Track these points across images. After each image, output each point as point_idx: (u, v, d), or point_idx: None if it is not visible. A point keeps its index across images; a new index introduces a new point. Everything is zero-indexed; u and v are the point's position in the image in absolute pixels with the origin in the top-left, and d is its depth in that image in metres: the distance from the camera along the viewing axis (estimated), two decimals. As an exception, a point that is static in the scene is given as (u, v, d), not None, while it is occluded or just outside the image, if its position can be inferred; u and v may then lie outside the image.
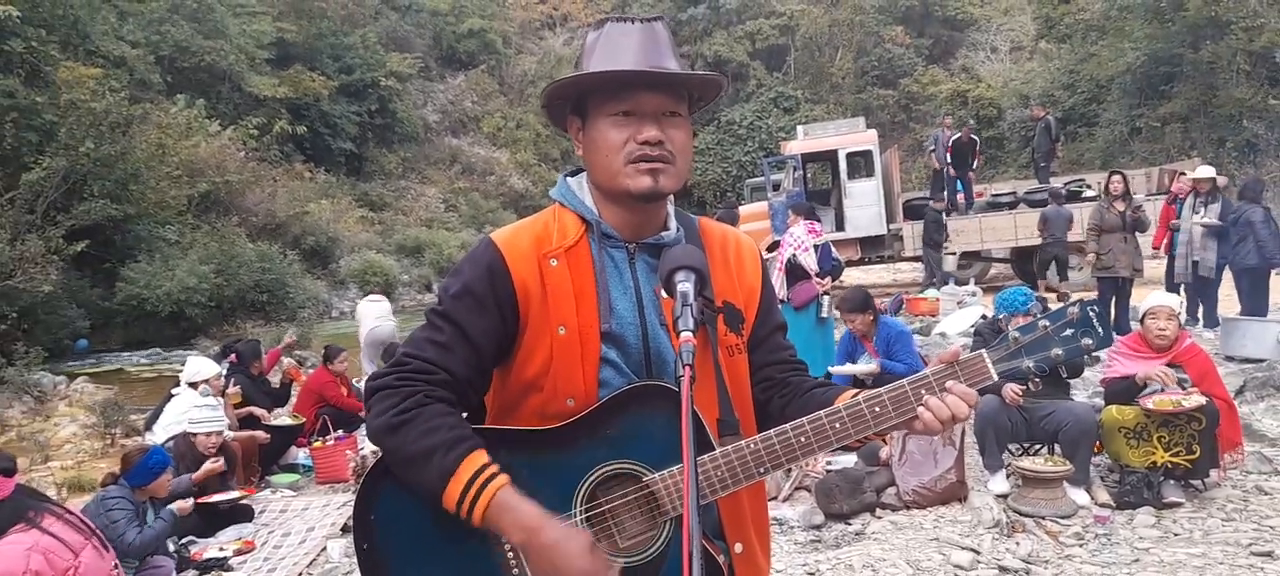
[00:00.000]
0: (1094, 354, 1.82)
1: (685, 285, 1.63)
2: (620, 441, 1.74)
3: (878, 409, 1.72)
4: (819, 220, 10.25)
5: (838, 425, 1.72)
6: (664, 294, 1.74)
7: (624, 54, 1.78)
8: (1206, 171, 11.22)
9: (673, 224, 1.92)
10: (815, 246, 9.49)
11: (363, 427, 9.37)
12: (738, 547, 1.86)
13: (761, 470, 1.72)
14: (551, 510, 1.71)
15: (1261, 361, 9.14)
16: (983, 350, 1.77)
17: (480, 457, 1.69)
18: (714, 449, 1.72)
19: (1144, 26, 28.68)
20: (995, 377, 1.74)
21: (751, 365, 1.95)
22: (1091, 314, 1.77)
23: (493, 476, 1.68)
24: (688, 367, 1.51)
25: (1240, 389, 8.11)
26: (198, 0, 28.75)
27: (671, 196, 1.90)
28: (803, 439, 1.72)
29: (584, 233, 1.86)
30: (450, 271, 1.96)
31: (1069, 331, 1.76)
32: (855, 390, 1.82)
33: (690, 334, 1.55)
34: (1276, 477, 6.14)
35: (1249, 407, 7.76)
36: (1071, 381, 6.63)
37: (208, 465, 6.73)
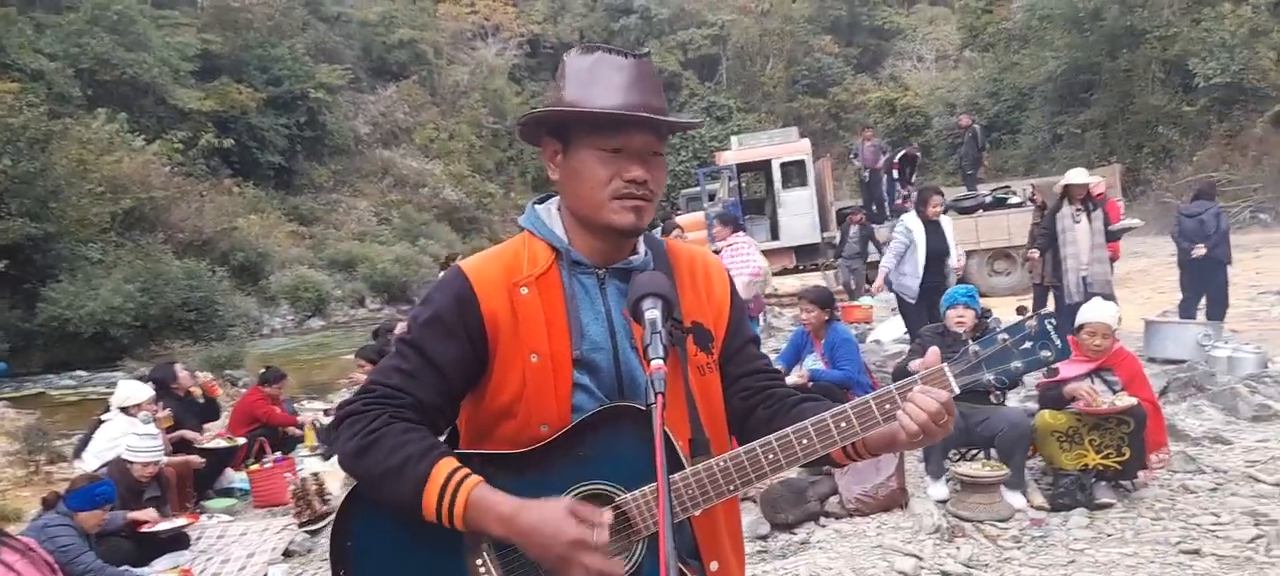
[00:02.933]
0: (1053, 366, 1.87)
1: (652, 312, 1.66)
2: (593, 462, 1.77)
3: (843, 423, 1.75)
4: (743, 230, 10.40)
5: (805, 441, 1.74)
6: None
7: (615, 90, 1.78)
8: (1080, 176, 9.98)
9: (641, 248, 1.94)
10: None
11: (298, 449, 9.28)
12: (713, 566, 1.89)
13: (731, 487, 1.74)
14: None
15: (1183, 363, 9.42)
16: (944, 364, 1.79)
17: (450, 462, 1.71)
18: (685, 468, 1.74)
19: (1064, 36, 29.54)
20: (956, 389, 1.76)
21: (727, 378, 1.98)
22: (1049, 326, 1.79)
23: (465, 477, 1.70)
24: (660, 395, 1.54)
25: (1164, 390, 8.36)
26: (118, 12, 28.06)
27: None
28: (770, 456, 1.74)
29: (554, 260, 1.88)
30: (420, 299, 1.98)
31: (1028, 344, 1.79)
32: (840, 408, 1.83)
33: (661, 361, 1.58)
34: (1201, 476, 6.33)
35: (1172, 408, 7.99)
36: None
37: (143, 514, 6.53)
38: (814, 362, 7.34)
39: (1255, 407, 7.82)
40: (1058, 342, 1.79)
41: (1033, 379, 7.99)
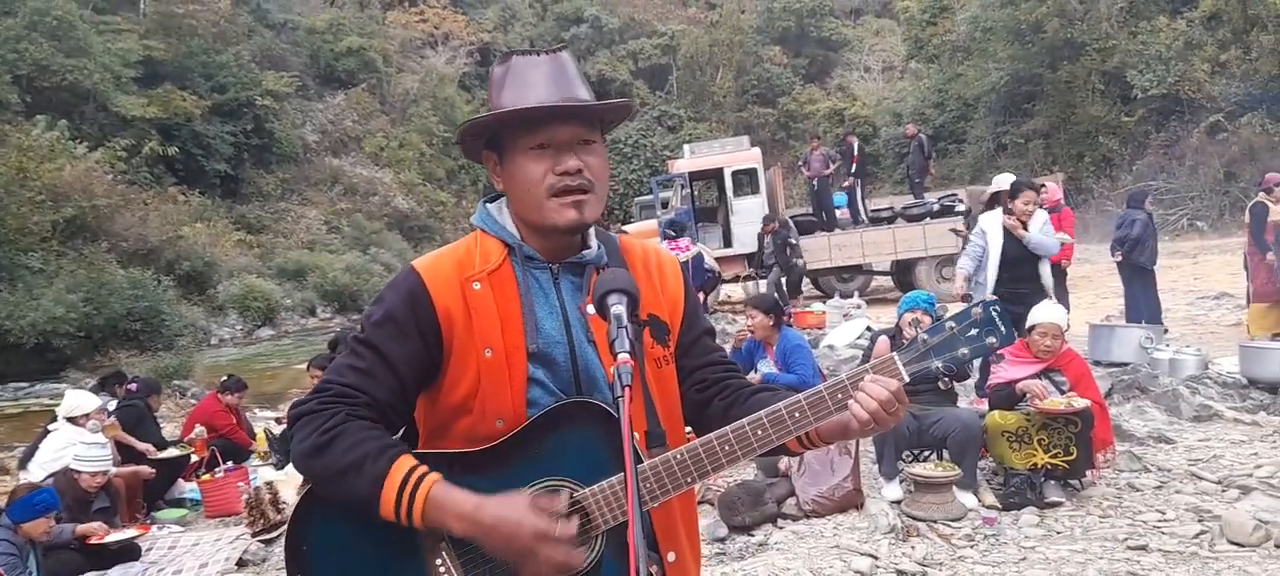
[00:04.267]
0: (998, 352, 1.94)
1: (618, 307, 1.66)
2: (550, 458, 1.77)
3: (797, 414, 1.77)
4: (679, 237, 10.52)
5: (760, 432, 1.76)
6: (591, 311, 1.79)
7: (534, 87, 1.81)
8: (1007, 182, 9.56)
9: (593, 241, 1.96)
10: (683, 263, 9.66)
11: (251, 459, 9.16)
12: (671, 557, 1.90)
13: (689, 479, 1.76)
14: None
15: (1126, 365, 9.65)
16: (894, 353, 1.83)
17: (409, 460, 1.71)
18: (643, 461, 1.75)
19: (1006, 48, 30.10)
20: (906, 378, 1.80)
21: (683, 370, 2.00)
22: (994, 313, 1.84)
23: (424, 475, 1.70)
24: (627, 388, 1.55)
25: (1109, 392, 8.55)
26: (58, 17, 27.45)
27: None
28: (727, 447, 1.76)
29: (506, 256, 1.88)
30: (373, 299, 1.98)
31: (974, 331, 1.83)
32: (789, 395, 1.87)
33: (627, 355, 1.59)
34: (1146, 475, 6.49)
35: (1117, 409, 8.18)
36: (957, 385, 6.89)
37: (92, 527, 6.41)
38: (767, 367, 7.40)
39: (1196, 408, 8.03)
40: (1002, 329, 1.84)
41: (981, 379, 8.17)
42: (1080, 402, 6.02)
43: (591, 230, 1.97)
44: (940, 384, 1.90)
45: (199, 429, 8.98)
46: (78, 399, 8.00)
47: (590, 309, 1.79)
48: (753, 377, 7.38)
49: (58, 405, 8.12)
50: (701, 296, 9.70)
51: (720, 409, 1.96)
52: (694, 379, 2.01)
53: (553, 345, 1.84)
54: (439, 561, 1.77)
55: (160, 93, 30.53)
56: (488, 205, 1.98)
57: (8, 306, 17.69)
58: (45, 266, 19.85)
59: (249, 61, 35.14)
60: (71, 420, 7.69)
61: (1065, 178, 22.02)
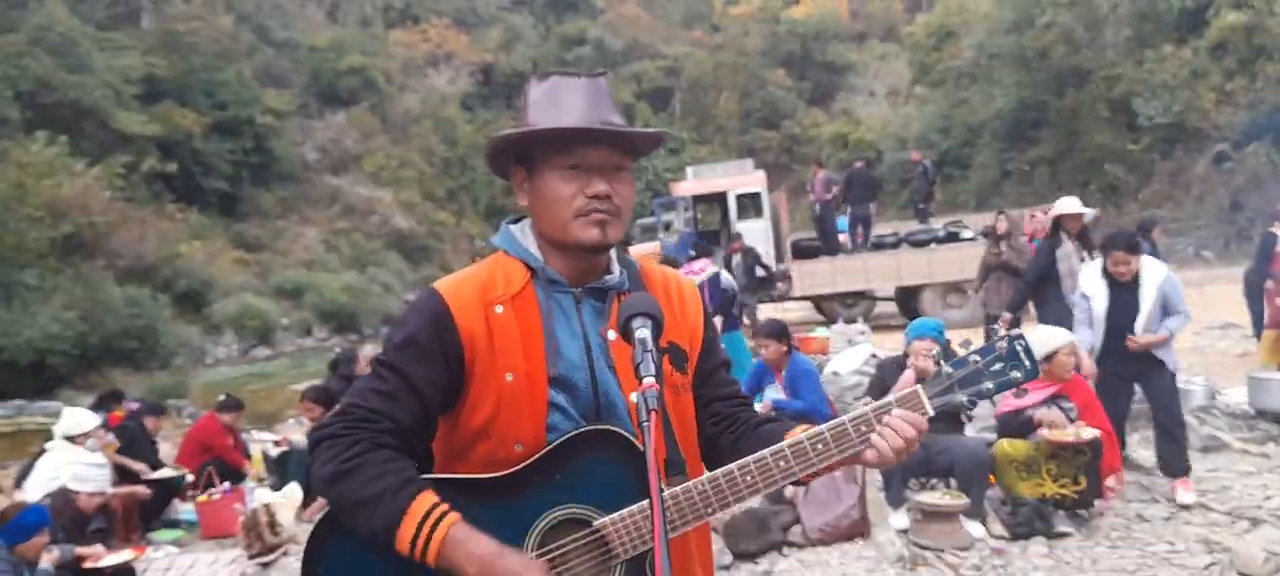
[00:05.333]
0: (1022, 387, 1.90)
1: (643, 331, 1.65)
2: (570, 486, 1.77)
3: (820, 445, 1.77)
4: (697, 258, 10.44)
5: (783, 463, 1.76)
6: (612, 337, 1.81)
7: (571, 109, 1.82)
8: (1073, 205, 9.07)
9: (615, 267, 1.95)
10: (701, 284, 9.57)
11: (248, 480, 9.04)
12: None
13: (709, 510, 1.76)
14: None
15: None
16: (918, 386, 1.82)
17: (430, 497, 1.70)
18: (664, 490, 1.71)
19: (1012, 74, 30.12)
20: (931, 412, 1.80)
21: (698, 401, 1.99)
22: (1019, 348, 1.83)
23: (445, 514, 1.68)
24: (654, 413, 1.53)
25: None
26: (60, 34, 27.53)
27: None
28: (748, 478, 1.76)
29: (529, 279, 1.87)
30: (395, 321, 1.95)
31: (999, 365, 1.83)
32: (804, 426, 1.85)
33: (653, 380, 1.57)
34: (1155, 505, 6.40)
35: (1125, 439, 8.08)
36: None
37: (88, 549, 6.30)
38: (775, 393, 7.33)
39: (1204, 438, 7.92)
40: (1027, 364, 1.83)
41: (986, 409, 8.07)
42: (1089, 432, 5.96)
43: (614, 255, 1.97)
44: (964, 417, 1.85)
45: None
46: (77, 417, 7.87)
47: (612, 334, 1.83)
48: (760, 403, 7.32)
49: (53, 424, 8.00)
50: (718, 318, 9.61)
51: (729, 442, 1.97)
52: (709, 411, 2.02)
53: (574, 370, 1.84)
54: None
55: (161, 110, 30.65)
56: (510, 227, 1.98)
57: (3, 323, 17.65)
58: (42, 283, 19.82)
59: (250, 79, 35.30)
60: (70, 439, 7.57)
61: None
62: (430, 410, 1.82)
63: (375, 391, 1.79)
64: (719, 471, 1.76)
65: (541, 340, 1.82)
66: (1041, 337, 6.42)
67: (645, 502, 1.69)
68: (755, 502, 6.62)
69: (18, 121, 24.34)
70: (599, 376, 1.84)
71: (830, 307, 18.57)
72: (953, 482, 6.36)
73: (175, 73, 32.39)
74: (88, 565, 6.09)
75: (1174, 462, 6.55)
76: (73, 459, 6.99)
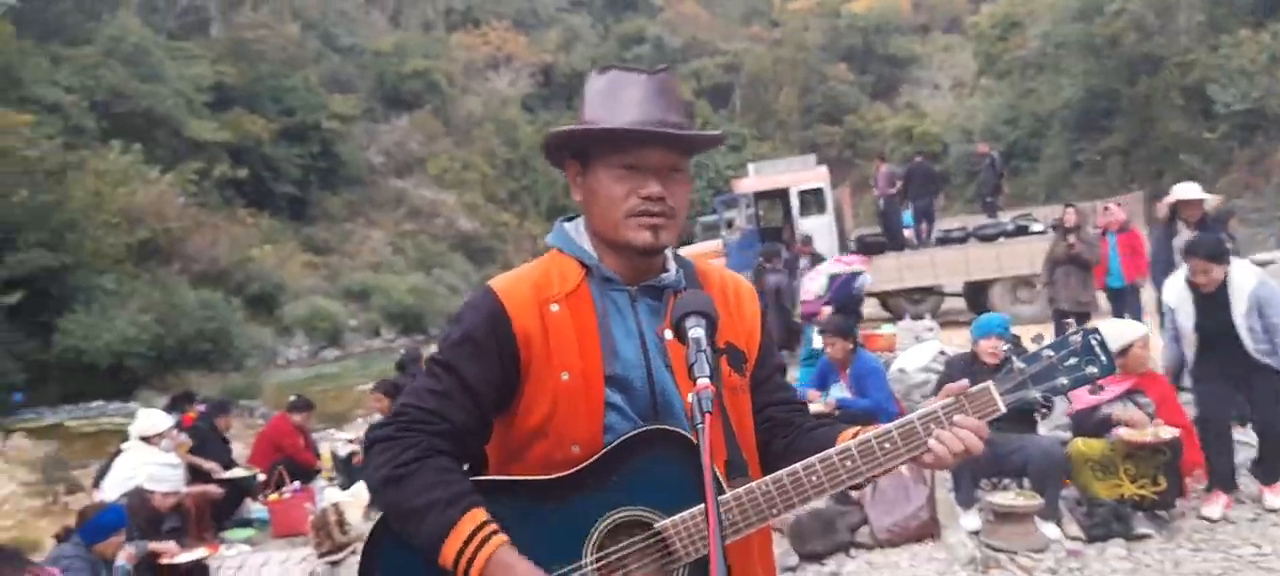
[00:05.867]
0: (1099, 383, 1.83)
1: (697, 331, 1.61)
2: (629, 487, 1.73)
3: (888, 444, 1.71)
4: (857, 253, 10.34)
5: (849, 463, 1.71)
6: (668, 336, 1.76)
7: (630, 107, 1.77)
8: (1193, 190, 8.52)
9: (672, 266, 1.91)
10: (831, 276, 9.57)
11: (318, 479, 9.18)
12: None
13: (774, 511, 1.71)
14: (562, 560, 1.70)
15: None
16: (990, 382, 1.76)
17: (480, 514, 1.66)
18: (725, 492, 1.70)
19: (1081, 62, 29.42)
20: (1003, 409, 1.74)
21: (753, 405, 1.94)
22: (1094, 342, 1.76)
23: (492, 534, 1.65)
24: (708, 415, 1.48)
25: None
26: (134, 44, 28.28)
27: None
28: (814, 478, 1.70)
29: (584, 277, 1.84)
30: (450, 319, 1.93)
31: (1073, 360, 1.76)
32: (857, 428, 1.80)
33: (707, 381, 1.52)
34: (1240, 506, 6.17)
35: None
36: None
37: (163, 546, 6.44)
38: (840, 391, 7.24)
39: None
40: (1103, 359, 1.76)
41: (1061, 406, 7.87)
42: (1168, 432, 5.74)
43: (670, 254, 1.93)
44: (1037, 415, 1.78)
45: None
46: (151, 419, 8.05)
47: (668, 333, 1.76)
48: (825, 400, 7.23)
49: (130, 425, 8.20)
50: (842, 314, 9.58)
51: (781, 447, 1.92)
52: (763, 416, 1.97)
53: (630, 369, 1.80)
54: None
55: (231, 116, 31.34)
56: (565, 225, 1.95)
57: (83, 328, 18.14)
58: (119, 288, 20.37)
59: (316, 85, 35.93)
60: (145, 439, 7.75)
61: (1145, 196, 21.34)
62: (485, 409, 1.79)
63: (430, 391, 1.78)
64: (783, 471, 1.71)
65: (597, 339, 1.79)
66: (1115, 331, 6.24)
67: (702, 507, 1.65)
68: (821, 503, 6.53)
69: (94, 131, 25.05)
70: (656, 376, 1.80)
71: (897, 304, 18.29)
72: (1026, 483, 6.20)
73: (244, 80, 33.11)
74: (163, 562, 6.23)
75: (1271, 469, 6.17)
76: (148, 459, 7.15)
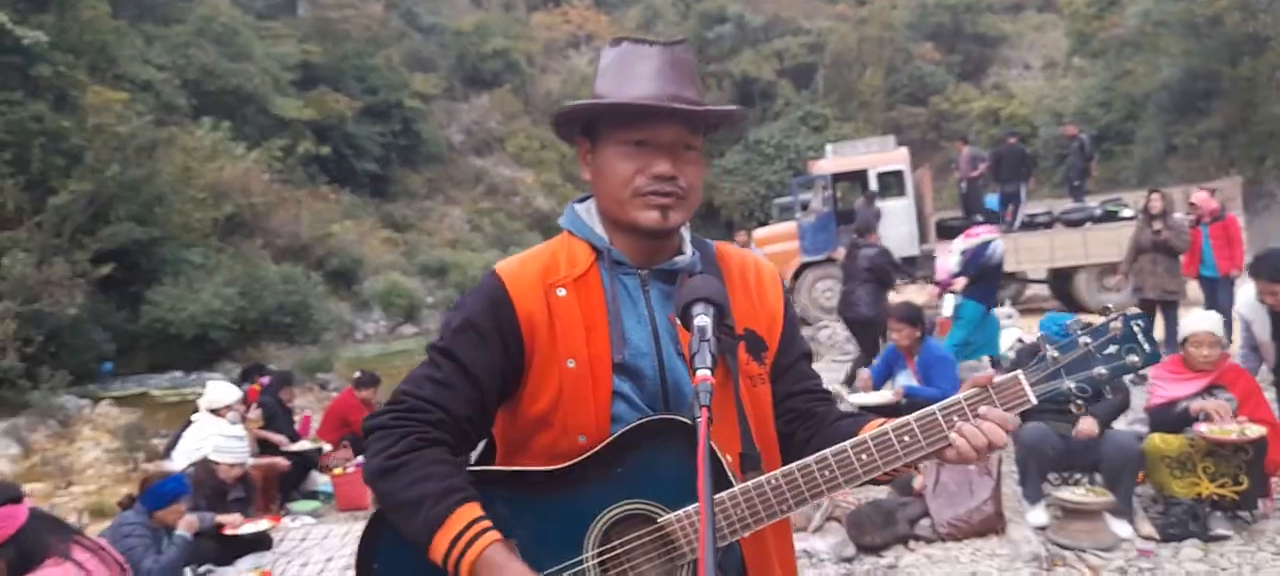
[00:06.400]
0: (1141, 372, 1.66)
1: (703, 319, 1.53)
2: (633, 480, 1.67)
3: (907, 438, 1.61)
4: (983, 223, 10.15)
5: (865, 457, 1.62)
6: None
7: (640, 80, 1.69)
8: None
9: (688, 248, 1.82)
10: (964, 250, 9.49)
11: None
12: None
13: (784, 507, 1.62)
14: (563, 554, 1.65)
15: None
16: (1019, 371, 1.64)
17: (472, 510, 1.60)
18: (733, 486, 1.61)
19: (1180, 42, 28.25)
20: (1033, 400, 1.63)
21: (775, 395, 1.85)
22: (1136, 328, 1.63)
23: (483, 532, 1.59)
24: (705, 409, 1.40)
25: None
26: (223, 24, 29.02)
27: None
28: (827, 473, 1.62)
29: (594, 260, 1.77)
30: (454, 305, 1.86)
31: (1113, 348, 1.63)
32: (882, 420, 1.69)
33: (707, 372, 1.45)
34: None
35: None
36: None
37: (228, 518, 6.58)
38: (907, 379, 7.05)
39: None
40: (1146, 347, 1.62)
41: (1140, 399, 7.55)
42: (1255, 430, 5.45)
43: (686, 236, 1.85)
44: (1072, 408, 1.63)
45: None
46: (219, 391, 8.25)
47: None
48: (892, 387, 7.06)
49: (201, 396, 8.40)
50: (960, 281, 9.46)
51: (803, 439, 1.82)
52: (785, 406, 1.87)
53: (640, 357, 1.73)
54: None
55: (315, 95, 31.95)
56: (576, 206, 1.88)
57: (170, 299, 18.66)
58: (205, 262, 20.90)
59: (398, 64, 36.46)
60: (213, 411, 7.93)
61: (1245, 182, 20.43)
62: (487, 398, 1.74)
63: (429, 378, 1.73)
64: (795, 465, 1.62)
65: (606, 325, 1.72)
66: (1188, 322, 5.98)
67: (714, 498, 1.55)
68: (882, 493, 6.38)
69: (185, 108, 25.75)
70: (667, 363, 1.74)
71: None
72: (1098, 479, 5.99)
73: (329, 59, 33.72)
74: (227, 532, 6.36)
75: None
76: (215, 430, 7.29)
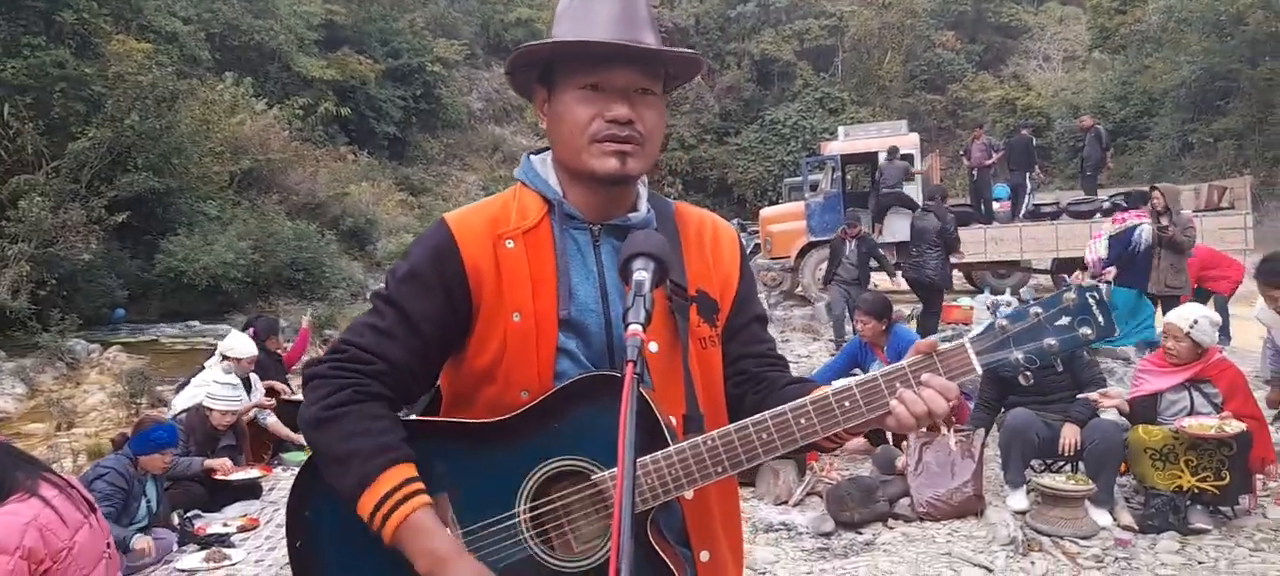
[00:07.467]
0: (1093, 343, 1.67)
1: (642, 274, 1.51)
2: (571, 436, 1.63)
3: (848, 403, 1.59)
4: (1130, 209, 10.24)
5: (804, 421, 1.59)
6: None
7: (598, 23, 1.66)
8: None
9: (643, 205, 1.81)
10: (1112, 237, 9.60)
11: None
12: (704, 555, 1.75)
13: (719, 469, 1.59)
14: (495, 509, 1.63)
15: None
16: (965, 339, 1.63)
17: (403, 471, 1.59)
18: (669, 445, 1.59)
19: (1201, 40, 28.08)
20: (978, 369, 1.61)
21: (726, 357, 1.84)
22: (1091, 300, 1.60)
23: (412, 495, 1.57)
24: (631, 364, 1.38)
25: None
26: (249, -21, 29.05)
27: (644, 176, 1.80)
28: (765, 435, 1.59)
29: (546, 213, 1.75)
30: (402, 254, 1.86)
31: (1065, 319, 1.60)
32: (830, 385, 1.69)
33: (639, 327, 1.42)
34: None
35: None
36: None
37: (217, 463, 6.66)
38: (878, 370, 7.08)
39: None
40: (1100, 319, 1.60)
41: (1122, 390, 7.60)
42: (1235, 426, 5.50)
43: (643, 193, 1.82)
44: (1021, 379, 1.67)
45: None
46: (237, 341, 8.23)
47: None
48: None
49: (220, 342, 8.45)
50: (1110, 271, 9.58)
51: (753, 403, 1.78)
52: (736, 369, 1.85)
53: (586, 313, 1.70)
54: None
55: (339, 56, 31.91)
56: (532, 158, 1.86)
57: (185, 249, 18.78)
58: (221, 214, 21.01)
59: (423, 28, 36.34)
60: (226, 357, 7.97)
61: (1256, 181, 20.34)
62: (430, 348, 1.71)
63: (370, 327, 1.70)
64: (732, 427, 1.60)
65: (553, 279, 1.69)
66: (1179, 314, 6.03)
67: (648, 457, 1.57)
68: (864, 470, 6.47)
69: (208, 62, 25.77)
70: (614, 321, 1.70)
71: (980, 277, 17.87)
72: (1081, 467, 6.05)
73: (353, 21, 33.66)
74: (216, 477, 6.47)
75: None
76: (210, 377, 7.38)
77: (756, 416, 1.60)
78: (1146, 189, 11.86)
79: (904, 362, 1.62)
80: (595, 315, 1.71)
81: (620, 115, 1.65)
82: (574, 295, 1.70)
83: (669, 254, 1.58)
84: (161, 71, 19.09)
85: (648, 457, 1.57)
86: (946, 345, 1.63)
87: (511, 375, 1.68)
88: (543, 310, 1.68)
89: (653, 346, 1.68)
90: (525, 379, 1.67)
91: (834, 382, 1.68)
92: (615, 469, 1.56)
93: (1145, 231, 9.45)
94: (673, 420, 1.64)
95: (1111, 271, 9.33)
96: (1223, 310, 10.62)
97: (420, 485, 1.59)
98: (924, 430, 1.67)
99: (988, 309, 12.16)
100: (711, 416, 1.73)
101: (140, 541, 5.54)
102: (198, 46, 25.30)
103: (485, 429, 1.66)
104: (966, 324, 12.87)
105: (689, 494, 1.63)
